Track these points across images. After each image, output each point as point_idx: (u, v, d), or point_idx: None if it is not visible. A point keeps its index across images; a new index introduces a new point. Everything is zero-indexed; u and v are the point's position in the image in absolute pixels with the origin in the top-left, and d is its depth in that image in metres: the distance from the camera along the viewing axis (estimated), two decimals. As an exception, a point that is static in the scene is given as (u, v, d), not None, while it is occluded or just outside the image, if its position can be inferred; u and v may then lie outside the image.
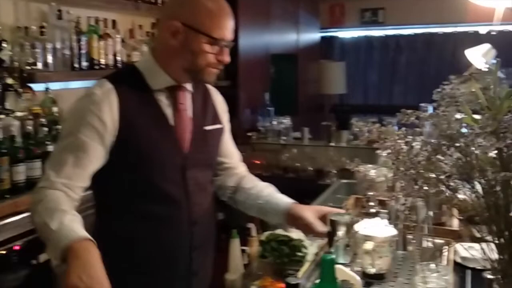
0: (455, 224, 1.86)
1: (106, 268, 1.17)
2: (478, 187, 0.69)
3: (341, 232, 1.60)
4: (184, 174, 1.52)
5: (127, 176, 1.47)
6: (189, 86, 1.58)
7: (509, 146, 0.61)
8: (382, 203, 2.07)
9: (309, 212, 1.66)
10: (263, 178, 1.88)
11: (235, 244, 1.89)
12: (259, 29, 4.58)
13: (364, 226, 1.55)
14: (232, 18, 1.49)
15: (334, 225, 1.61)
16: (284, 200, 1.74)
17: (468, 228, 1.89)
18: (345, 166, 3.84)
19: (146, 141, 1.45)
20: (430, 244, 1.79)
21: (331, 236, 1.65)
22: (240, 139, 4.19)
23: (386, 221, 1.55)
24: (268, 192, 1.76)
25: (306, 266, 1.58)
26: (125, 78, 1.51)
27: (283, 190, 1.82)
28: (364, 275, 1.48)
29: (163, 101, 1.51)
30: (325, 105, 5.80)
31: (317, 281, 0.78)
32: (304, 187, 3.76)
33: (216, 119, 1.66)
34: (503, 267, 0.76)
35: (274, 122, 4.19)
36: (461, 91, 2.65)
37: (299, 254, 1.72)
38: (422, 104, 3.18)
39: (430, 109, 3.09)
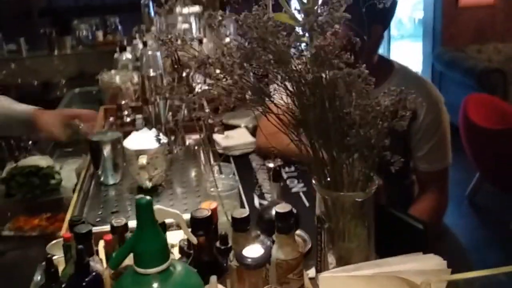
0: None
1: None
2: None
3: (106, 151, 1.49)
4: None
5: None
6: None
7: (326, 44, 0.61)
8: (134, 110, 2.01)
9: (51, 118, 1.63)
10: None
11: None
12: None
13: (132, 141, 1.43)
14: None
15: (96, 145, 1.50)
16: (24, 108, 1.65)
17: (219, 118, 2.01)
18: (73, 76, 3.60)
19: None
20: (191, 142, 1.84)
21: (95, 157, 1.54)
22: None
23: (153, 131, 1.46)
24: (4, 104, 1.63)
25: (74, 199, 1.37)
26: None
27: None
28: (140, 191, 1.40)
29: None
30: (32, 10, 5.21)
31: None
32: (31, 103, 3.42)
33: None
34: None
35: (-23, 35, 3.60)
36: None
37: (53, 182, 1.58)
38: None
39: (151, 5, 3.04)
